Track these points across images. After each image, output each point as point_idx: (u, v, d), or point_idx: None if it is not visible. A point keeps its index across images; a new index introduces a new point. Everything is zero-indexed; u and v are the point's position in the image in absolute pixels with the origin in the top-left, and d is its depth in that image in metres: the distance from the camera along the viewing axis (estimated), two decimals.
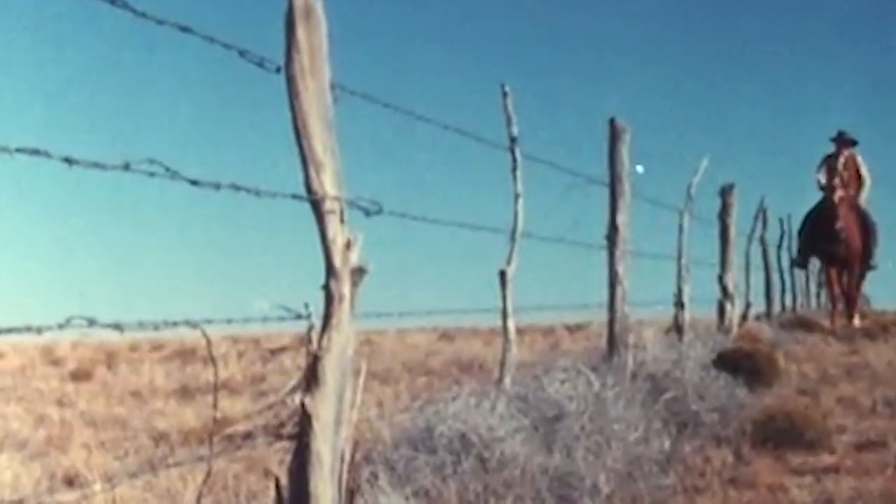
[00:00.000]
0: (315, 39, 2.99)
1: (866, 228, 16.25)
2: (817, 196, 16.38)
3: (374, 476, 3.69)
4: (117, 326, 2.43)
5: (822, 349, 12.36)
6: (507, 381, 5.20)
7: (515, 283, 5.37)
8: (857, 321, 16.06)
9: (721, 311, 12.24)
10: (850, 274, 16.37)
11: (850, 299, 16.57)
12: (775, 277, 18.62)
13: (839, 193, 15.77)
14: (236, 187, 2.79)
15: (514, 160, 5.49)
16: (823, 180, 16.03)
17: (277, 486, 2.95)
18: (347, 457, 3.03)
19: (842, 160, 16.06)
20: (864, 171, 16.30)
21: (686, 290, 9.51)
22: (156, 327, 2.58)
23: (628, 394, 5.54)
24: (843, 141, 16.28)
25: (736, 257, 12.94)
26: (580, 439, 4.54)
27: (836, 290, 16.68)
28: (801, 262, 17.91)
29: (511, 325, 5.31)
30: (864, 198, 16.33)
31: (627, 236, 7.01)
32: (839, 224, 15.70)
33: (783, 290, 19.95)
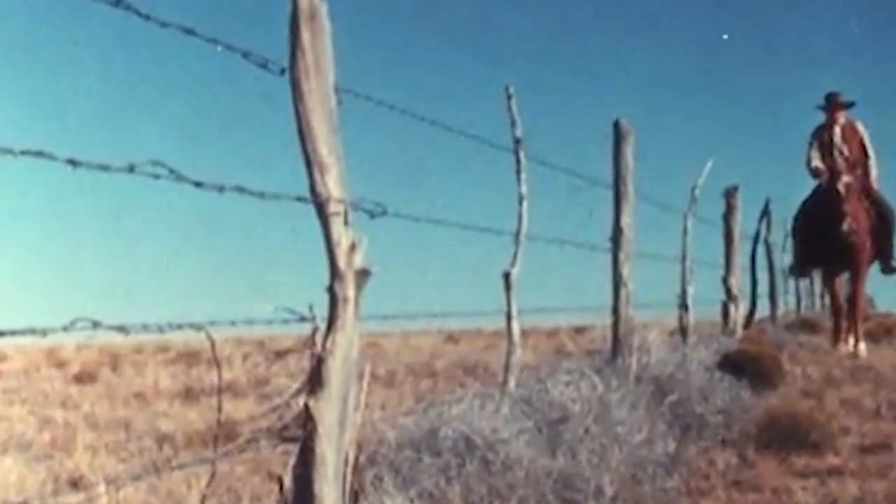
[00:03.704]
0: (319, 41, 3.00)
1: (882, 221, 12.04)
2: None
3: (378, 478, 3.69)
4: (122, 329, 2.44)
5: (827, 351, 12.34)
6: (512, 383, 5.19)
7: (519, 285, 5.37)
8: (862, 347, 12.00)
9: (725, 313, 12.23)
10: (855, 279, 12.28)
11: (856, 315, 12.26)
12: (779, 279, 18.58)
13: (845, 179, 11.68)
14: (240, 189, 2.80)
15: (519, 162, 5.48)
16: (816, 163, 11.97)
17: (281, 489, 2.95)
18: (351, 459, 3.03)
19: (837, 130, 12.07)
20: (867, 141, 12.16)
21: (690, 292, 9.51)
22: (160, 329, 2.58)
23: (632, 396, 5.53)
24: (835, 105, 12.15)
25: (740, 259, 12.94)
26: (584, 441, 4.53)
27: (841, 306, 12.56)
28: (800, 270, 13.71)
29: (515, 327, 5.30)
30: (873, 178, 12.11)
31: (631, 238, 7.00)
32: (847, 224, 11.61)
33: (786, 292, 19.96)
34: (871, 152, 12.10)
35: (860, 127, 12.21)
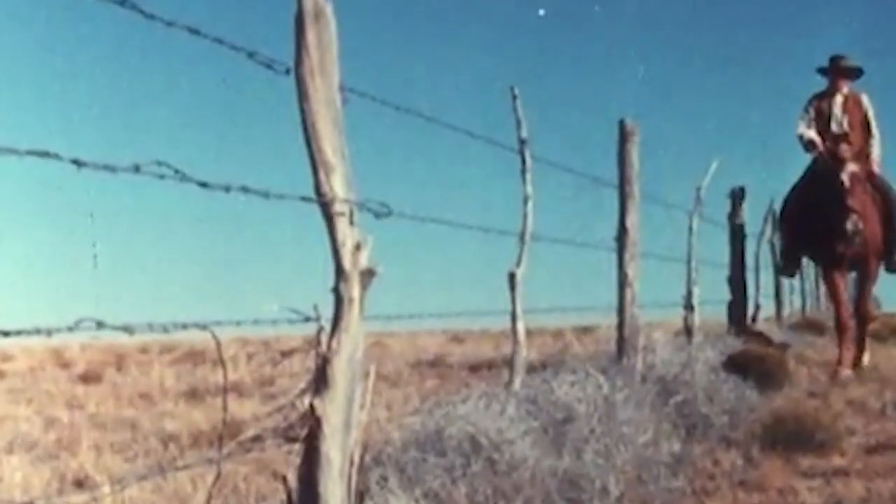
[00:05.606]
0: (325, 41, 2.99)
1: (887, 209, 9.93)
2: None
3: (384, 478, 3.69)
4: (127, 328, 2.43)
5: (832, 351, 12.31)
6: (517, 383, 5.19)
7: (525, 285, 5.37)
8: (866, 359, 10.27)
9: (730, 313, 12.22)
10: (862, 280, 10.29)
11: (862, 321, 10.17)
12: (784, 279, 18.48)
13: (851, 168, 9.53)
14: (246, 189, 2.79)
15: (524, 162, 5.49)
16: (809, 134, 9.84)
17: (287, 489, 2.95)
18: (357, 459, 3.02)
19: (839, 99, 9.98)
20: (871, 116, 10.04)
21: (695, 292, 9.51)
22: (165, 329, 2.58)
23: (638, 396, 5.53)
24: (839, 71, 10.03)
25: (746, 259, 12.93)
26: (589, 442, 4.53)
27: (846, 311, 9.98)
28: (788, 268, 11.35)
29: (520, 327, 5.30)
30: (875, 157, 9.97)
31: (637, 238, 7.00)
32: (852, 222, 9.41)
33: (791, 292, 19.89)
34: (874, 130, 10.02)
35: (865, 100, 10.11)
